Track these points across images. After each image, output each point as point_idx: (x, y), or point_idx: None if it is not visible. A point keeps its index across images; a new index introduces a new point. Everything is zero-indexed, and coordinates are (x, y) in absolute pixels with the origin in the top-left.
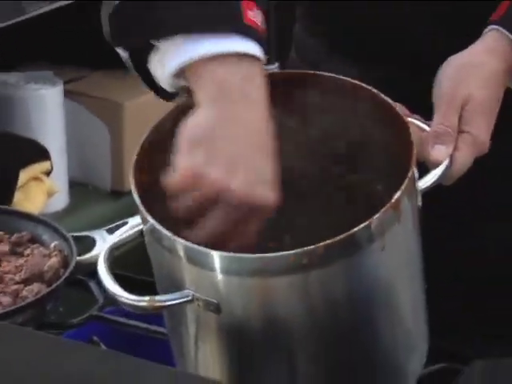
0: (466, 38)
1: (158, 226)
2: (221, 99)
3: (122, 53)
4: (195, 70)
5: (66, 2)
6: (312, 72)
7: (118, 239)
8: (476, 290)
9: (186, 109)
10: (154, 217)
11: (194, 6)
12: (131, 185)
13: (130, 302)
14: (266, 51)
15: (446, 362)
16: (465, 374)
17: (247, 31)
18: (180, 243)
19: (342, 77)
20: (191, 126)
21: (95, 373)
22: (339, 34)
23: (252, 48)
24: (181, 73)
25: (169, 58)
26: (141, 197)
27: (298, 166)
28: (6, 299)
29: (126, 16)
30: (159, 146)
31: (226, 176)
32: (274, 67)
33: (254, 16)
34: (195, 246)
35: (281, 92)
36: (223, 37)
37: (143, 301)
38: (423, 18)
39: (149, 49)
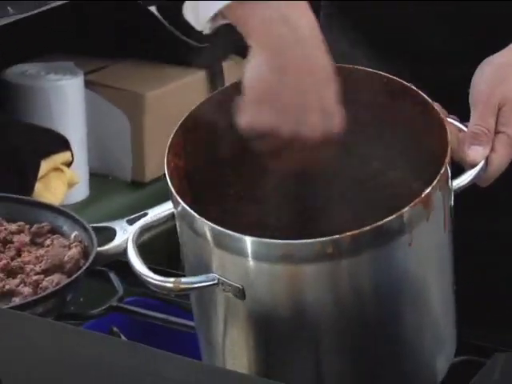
0: (470, 37)
1: (189, 209)
2: (272, 37)
3: (152, 8)
4: (237, 10)
5: None
6: (358, 67)
7: (149, 220)
8: (502, 284)
9: (222, 96)
10: (185, 201)
11: None
12: (165, 168)
13: (157, 283)
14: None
15: (468, 354)
16: (486, 367)
17: None
18: (209, 226)
19: (384, 73)
20: (252, 74)
21: (115, 363)
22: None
23: None
24: (219, 14)
25: (206, 2)
26: (173, 181)
27: (337, 162)
28: (27, 289)
29: None
30: (195, 132)
31: (296, 127)
32: None
33: None
34: (223, 230)
35: None
36: None
37: (169, 282)
38: (427, 18)
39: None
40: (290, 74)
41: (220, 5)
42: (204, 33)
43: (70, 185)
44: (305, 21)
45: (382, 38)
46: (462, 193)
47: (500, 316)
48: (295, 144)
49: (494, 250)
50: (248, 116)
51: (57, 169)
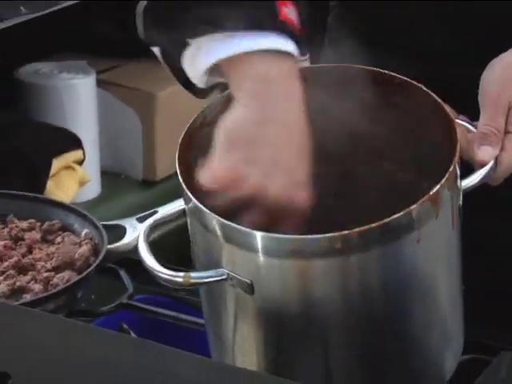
0: (471, 37)
1: (199, 205)
2: (260, 96)
3: (155, 50)
4: (231, 66)
5: None
6: (369, 68)
7: (159, 216)
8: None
9: (231, 96)
10: (196, 198)
11: (228, 3)
12: (176, 165)
13: (167, 277)
14: (302, 47)
15: (475, 353)
16: (492, 365)
17: (282, 28)
18: (218, 221)
19: (395, 74)
20: (230, 124)
21: (124, 360)
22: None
23: (286, 45)
24: (214, 69)
25: (203, 54)
26: (185, 177)
27: (350, 159)
28: (38, 286)
29: (158, 14)
30: (205, 130)
31: (264, 179)
32: (305, 59)
33: (289, 13)
34: (233, 225)
35: (334, 85)
36: (258, 34)
37: (179, 276)
38: (428, 18)
39: (181, 45)
40: (270, 129)
41: (219, 57)
42: (199, 86)
43: (82, 183)
44: (290, 86)
45: (381, 38)
46: (472, 192)
47: (509, 315)
48: (256, 201)
49: (503, 249)
50: (218, 161)
51: (68, 167)
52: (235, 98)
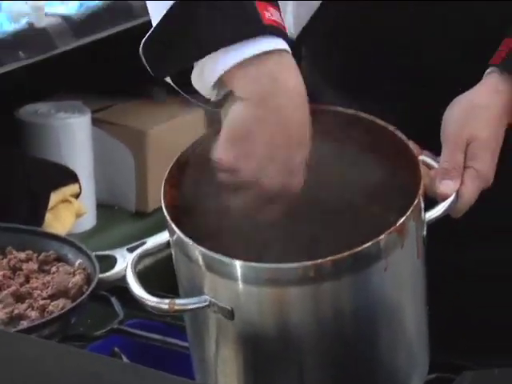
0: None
1: (182, 236)
2: (256, 93)
3: (168, 79)
4: (232, 75)
5: (93, 39)
6: (334, 108)
7: (147, 247)
8: (473, 304)
9: (216, 134)
10: (181, 230)
11: (218, 23)
12: (162, 198)
13: (153, 304)
14: (290, 43)
15: (440, 372)
16: (455, 383)
17: (268, 30)
18: (200, 252)
19: (361, 113)
20: (231, 121)
21: None
22: (342, 66)
23: (277, 43)
24: (221, 82)
25: (207, 72)
26: (169, 211)
27: (322, 194)
28: (34, 313)
29: (159, 46)
30: (190, 166)
31: (257, 170)
32: None
33: (271, 15)
34: (214, 255)
35: None
36: (249, 41)
37: (164, 303)
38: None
39: (187, 69)
40: (268, 125)
41: (221, 71)
42: (211, 100)
43: (78, 215)
44: (292, 83)
45: (377, 63)
46: (436, 223)
47: (472, 338)
48: (255, 189)
49: (466, 277)
50: (219, 151)
51: (66, 200)
52: (235, 92)
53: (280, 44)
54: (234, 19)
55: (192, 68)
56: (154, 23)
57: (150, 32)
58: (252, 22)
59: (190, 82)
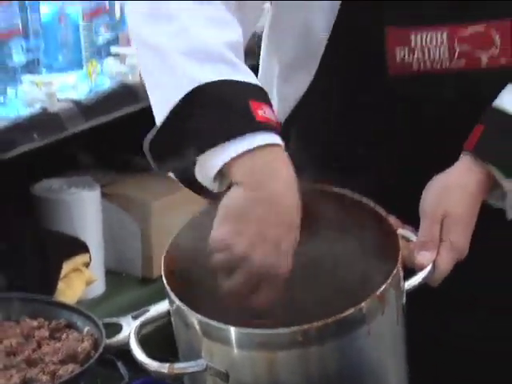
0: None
1: (179, 303)
2: (252, 178)
3: (170, 174)
4: (230, 166)
5: (101, 121)
6: (322, 187)
7: (144, 318)
8: (450, 375)
9: (214, 209)
10: (180, 299)
11: (215, 122)
12: (162, 272)
13: (154, 369)
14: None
15: None
16: None
17: (261, 127)
18: (197, 319)
19: (343, 190)
20: (228, 201)
21: None
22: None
23: (269, 138)
24: (221, 174)
25: (208, 166)
26: (170, 279)
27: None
28: (45, 377)
29: (162, 146)
30: (188, 241)
31: (248, 249)
32: None
33: (264, 113)
34: (208, 320)
35: None
36: (244, 137)
37: (164, 367)
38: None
39: (190, 165)
40: (261, 207)
41: (221, 163)
42: (214, 191)
43: (89, 283)
44: (284, 172)
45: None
46: (415, 292)
47: None
48: (244, 268)
49: (445, 343)
50: (215, 227)
51: (77, 269)
52: (233, 180)
53: (272, 138)
54: (229, 118)
55: (194, 164)
56: (157, 119)
57: (153, 134)
58: (246, 119)
59: (193, 176)
